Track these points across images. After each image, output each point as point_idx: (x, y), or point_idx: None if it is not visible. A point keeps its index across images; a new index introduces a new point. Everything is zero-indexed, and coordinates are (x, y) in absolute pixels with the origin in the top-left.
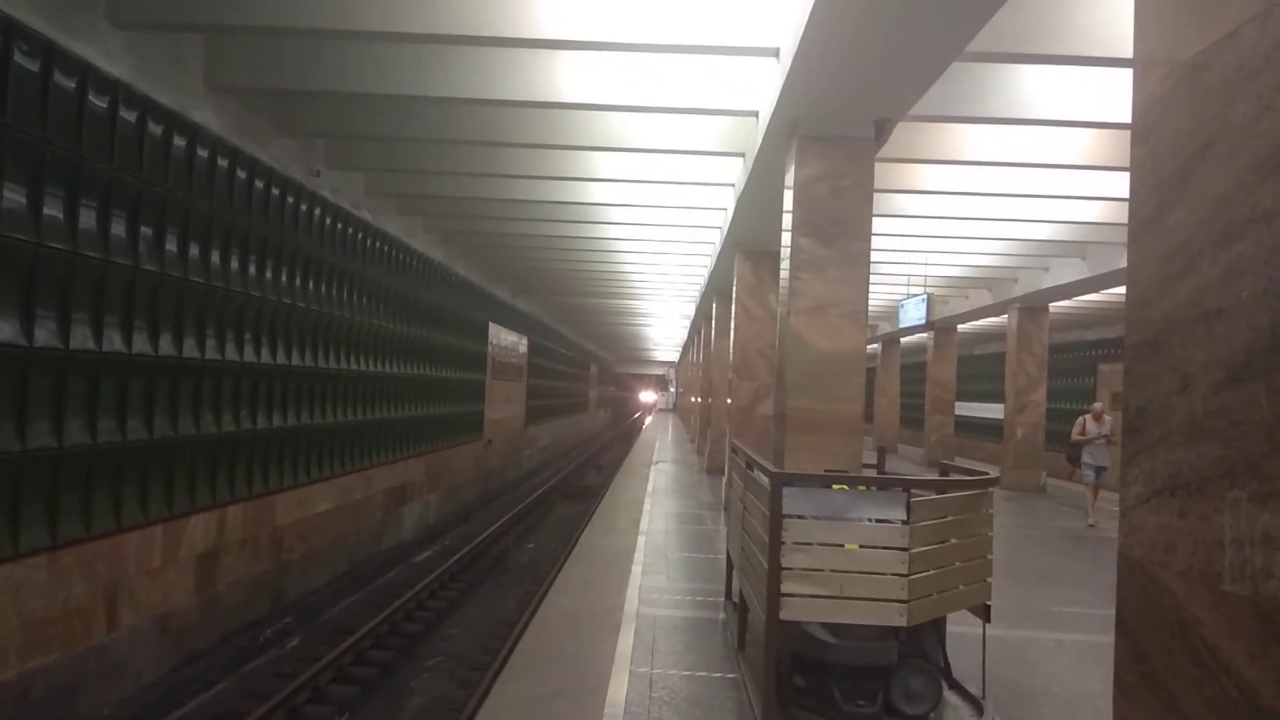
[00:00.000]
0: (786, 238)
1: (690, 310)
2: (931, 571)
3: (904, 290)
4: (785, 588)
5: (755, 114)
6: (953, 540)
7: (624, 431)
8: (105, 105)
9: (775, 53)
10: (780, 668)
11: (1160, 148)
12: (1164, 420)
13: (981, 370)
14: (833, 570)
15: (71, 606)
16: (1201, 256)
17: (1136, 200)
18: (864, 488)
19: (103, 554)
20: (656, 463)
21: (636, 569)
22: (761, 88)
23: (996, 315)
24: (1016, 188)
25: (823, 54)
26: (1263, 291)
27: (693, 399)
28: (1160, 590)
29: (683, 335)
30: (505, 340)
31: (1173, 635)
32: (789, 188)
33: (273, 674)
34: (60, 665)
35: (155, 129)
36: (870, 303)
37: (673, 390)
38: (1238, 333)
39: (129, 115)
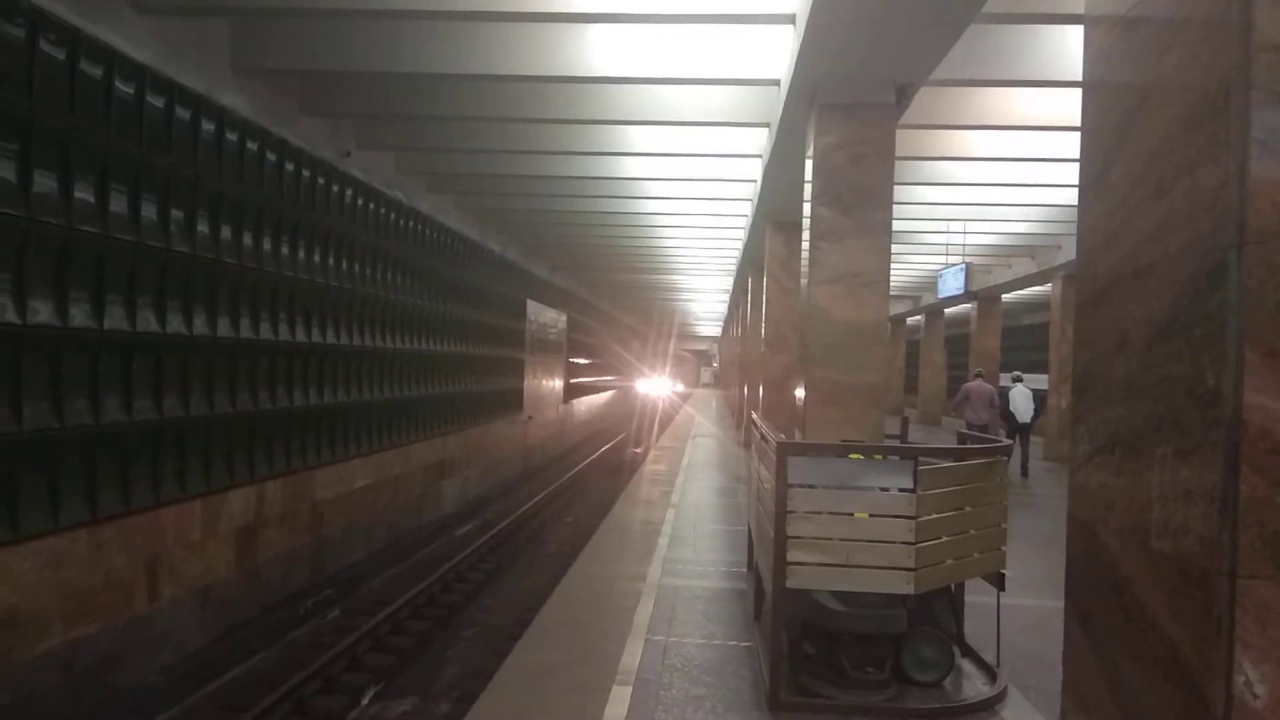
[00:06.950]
0: (807, 208)
1: (729, 284)
2: (941, 539)
3: (943, 260)
4: (792, 556)
5: (776, 83)
6: (964, 509)
7: (662, 411)
8: (132, 91)
9: (791, 19)
10: (792, 636)
11: (1105, 102)
12: (1105, 378)
13: (1027, 341)
14: (840, 539)
15: (113, 578)
16: (1137, 211)
17: (1085, 157)
18: (878, 456)
19: (142, 528)
20: (694, 436)
21: (663, 541)
22: (780, 55)
23: (1040, 284)
24: (1055, 152)
25: (837, 18)
26: (1187, 245)
27: (729, 377)
28: (1100, 549)
29: (723, 310)
30: (544, 317)
31: (1109, 594)
32: (809, 157)
33: (312, 644)
34: (103, 635)
35: (183, 113)
36: (911, 273)
37: (715, 365)
38: (1166, 288)
39: (156, 100)
